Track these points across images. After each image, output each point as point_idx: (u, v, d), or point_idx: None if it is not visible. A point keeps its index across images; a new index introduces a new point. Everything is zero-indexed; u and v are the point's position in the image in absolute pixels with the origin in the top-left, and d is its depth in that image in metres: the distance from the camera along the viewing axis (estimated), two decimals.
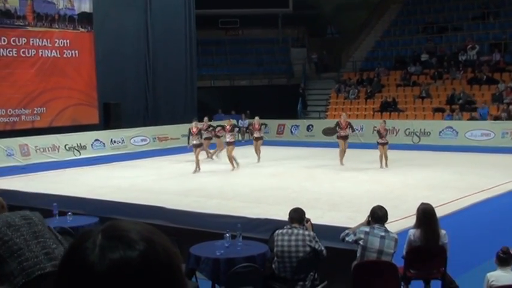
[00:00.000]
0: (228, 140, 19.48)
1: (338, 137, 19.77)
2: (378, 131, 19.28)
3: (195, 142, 19.04)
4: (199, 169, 18.81)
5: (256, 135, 20.65)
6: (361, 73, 33.14)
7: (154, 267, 1.22)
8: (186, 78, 30.47)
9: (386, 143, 18.93)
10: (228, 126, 19.92)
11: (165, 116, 28.75)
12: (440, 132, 25.52)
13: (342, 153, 19.66)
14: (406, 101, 29.71)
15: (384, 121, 20.78)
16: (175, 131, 27.23)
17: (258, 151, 20.56)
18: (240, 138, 24.06)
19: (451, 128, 25.35)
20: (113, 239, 1.24)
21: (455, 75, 29.66)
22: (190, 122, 28.59)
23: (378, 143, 19.09)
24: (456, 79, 29.43)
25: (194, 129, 19.16)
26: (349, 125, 19.87)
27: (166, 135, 26.92)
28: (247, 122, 28.69)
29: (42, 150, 22.90)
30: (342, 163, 19.51)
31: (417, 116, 28.07)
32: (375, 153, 19.90)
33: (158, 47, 28.95)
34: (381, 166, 18.78)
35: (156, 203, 11.27)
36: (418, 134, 25.95)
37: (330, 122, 23.46)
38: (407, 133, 26.22)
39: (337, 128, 19.82)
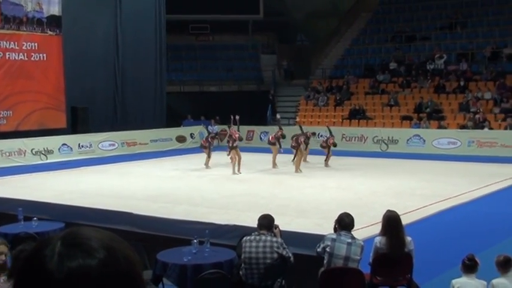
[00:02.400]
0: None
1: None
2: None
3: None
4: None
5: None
6: (331, 80, 33.32)
7: (114, 275, 1.21)
8: (156, 83, 30.35)
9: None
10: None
11: (134, 121, 28.59)
12: (407, 140, 25.76)
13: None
14: (374, 108, 29.93)
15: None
16: (144, 136, 27.10)
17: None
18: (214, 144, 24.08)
19: (418, 136, 25.59)
20: (73, 246, 1.22)
21: (423, 83, 29.98)
22: (159, 127, 28.63)
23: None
24: (424, 88, 29.74)
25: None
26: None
27: (134, 140, 26.76)
28: (216, 128, 28.64)
29: (8, 154, 22.59)
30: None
31: (385, 124, 28.30)
32: (344, 160, 20.07)
33: (128, 51, 28.79)
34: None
35: (124, 209, 11.17)
36: (386, 141, 26.16)
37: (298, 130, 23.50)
38: (375, 141, 26.42)
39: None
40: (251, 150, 24.84)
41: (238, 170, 19.41)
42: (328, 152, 20.95)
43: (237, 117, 20.67)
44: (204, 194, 15.53)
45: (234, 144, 19.39)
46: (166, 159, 24.10)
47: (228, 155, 19.64)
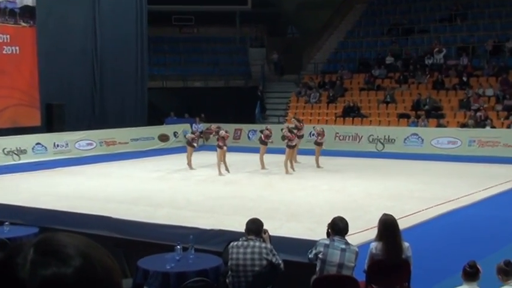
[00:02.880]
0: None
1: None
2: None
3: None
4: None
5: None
6: (323, 76, 33.37)
7: (90, 284, 1.19)
8: (136, 79, 30.27)
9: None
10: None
11: (113, 119, 28.51)
12: (405, 139, 25.83)
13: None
14: (369, 105, 30.00)
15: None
16: (124, 135, 27.04)
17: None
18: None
19: (416, 135, 25.68)
20: (47, 254, 1.21)
21: (421, 79, 30.08)
22: (140, 125, 28.59)
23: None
24: (422, 84, 29.84)
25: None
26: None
27: (114, 139, 26.69)
28: (201, 126, 28.62)
29: None
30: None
31: (381, 122, 28.37)
32: (338, 160, 20.11)
33: (106, 44, 28.69)
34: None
35: (103, 213, 11.15)
36: (382, 141, 26.22)
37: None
38: (370, 140, 26.49)
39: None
40: (238, 150, 24.84)
41: (226, 169, 19.47)
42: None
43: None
44: (188, 196, 15.50)
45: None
46: (147, 159, 24.05)
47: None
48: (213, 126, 21.47)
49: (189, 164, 20.70)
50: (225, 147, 19.55)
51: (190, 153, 20.79)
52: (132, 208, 13.59)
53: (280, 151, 20.39)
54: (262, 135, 20.85)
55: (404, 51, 32.88)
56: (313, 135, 23.92)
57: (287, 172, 19.43)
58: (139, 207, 13.73)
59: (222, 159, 19.51)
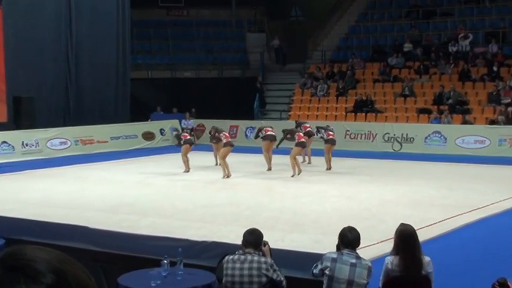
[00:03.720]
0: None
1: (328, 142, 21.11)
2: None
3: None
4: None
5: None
6: (332, 65, 33.34)
7: None
8: (118, 68, 30.24)
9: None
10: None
11: (91, 114, 28.48)
12: (426, 138, 25.81)
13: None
14: (385, 99, 29.99)
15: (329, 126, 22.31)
16: (103, 133, 27.00)
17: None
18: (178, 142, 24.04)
19: (438, 133, 25.66)
20: (14, 270, 1.21)
21: (444, 69, 30.06)
22: (121, 121, 28.53)
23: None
24: (445, 74, 29.82)
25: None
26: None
27: (91, 137, 26.66)
28: (192, 122, 28.64)
29: None
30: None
31: (398, 119, 28.35)
32: (349, 162, 20.09)
33: (83, 29, 28.64)
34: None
35: (78, 222, 11.13)
36: (399, 140, 26.21)
37: (293, 124, 23.53)
38: (386, 139, 26.47)
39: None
40: (235, 150, 24.80)
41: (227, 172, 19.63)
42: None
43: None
44: (177, 203, 15.49)
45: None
46: (130, 160, 24.03)
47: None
48: (211, 128, 21.54)
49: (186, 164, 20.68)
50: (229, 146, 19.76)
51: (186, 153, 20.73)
52: (112, 217, 13.57)
53: (284, 151, 20.38)
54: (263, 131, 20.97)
55: (424, 37, 32.86)
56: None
57: (296, 169, 19.53)
58: (121, 216, 13.71)
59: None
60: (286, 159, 20.04)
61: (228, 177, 19.34)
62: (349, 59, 33.19)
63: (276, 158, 20.90)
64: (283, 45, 36.91)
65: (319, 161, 21.20)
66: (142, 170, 21.33)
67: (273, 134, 20.99)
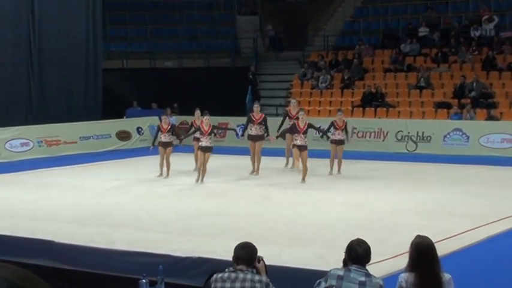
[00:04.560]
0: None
1: (331, 141, 21.02)
2: (333, 122, 20.95)
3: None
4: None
5: (203, 143, 20.25)
6: (336, 52, 33.35)
7: None
8: (88, 57, 30.18)
9: (342, 142, 20.74)
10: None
11: (57, 111, 28.42)
12: (444, 136, 25.83)
13: (332, 162, 20.89)
14: (397, 92, 30.01)
15: (340, 110, 22.39)
16: (71, 132, 26.93)
17: (203, 167, 20.20)
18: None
19: (459, 130, 25.68)
20: None
21: (465, 57, 30.10)
22: (92, 119, 28.47)
23: (330, 140, 20.87)
24: (467, 63, 29.86)
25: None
26: (345, 127, 21.16)
27: (57, 137, 26.60)
28: (174, 119, 28.57)
29: None
30: (331, 172, 20.77)
31: (413, 114, 28.38)
32: (356, 164, 20.09)
33: (47, 13, 28.57)
34: (331, 172, 20.60)
35: (43, 236, 11.12)
36: (414, 138, 26.22)
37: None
38: (399, 137, 26.48)
39: (332, 128, 21.05)
40: (224, 151, 24.80)
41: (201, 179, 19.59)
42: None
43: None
44: (157, 213, 15.46)
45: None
46: (102, 164, 24.00)
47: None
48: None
49: (166, 167, 20.67)
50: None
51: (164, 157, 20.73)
52: (82, 230, 13.52)
53: (280, 152, 20.37)
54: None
55: (443, 20, 32.90)
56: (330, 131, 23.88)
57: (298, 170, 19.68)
58: (92, 229, 13.67)
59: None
60: (282, 162, 20.04)
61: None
62: (355, 45, 33.22)
63: (271, 161, 20.85)
64: (280, 30, 36.91)
65: (322, 164, 21.20)
66: (117, 175, 21.28)
67: (258, 133, 21.00)
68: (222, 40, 37.08)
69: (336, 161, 20.85)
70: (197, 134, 20.65)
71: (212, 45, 36.36)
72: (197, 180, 19.56)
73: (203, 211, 15.65)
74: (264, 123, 21.19)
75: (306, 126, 19.79)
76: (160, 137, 20.98)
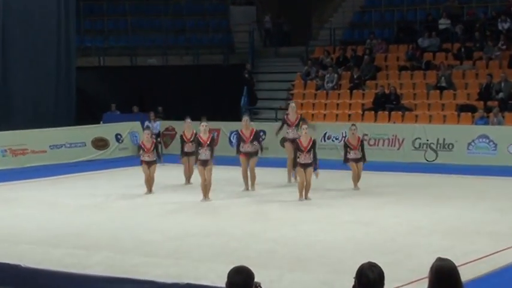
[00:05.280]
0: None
1: (349, 160, 21.02)
2: (347, 142, 20.96)
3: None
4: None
5: (202, 156, 20.16)
6: (344, 48, 33.39)
7: None
8: (59, 54, 30.19)
9: (360, 159, 20.79)
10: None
11: (23, 116, 28.42)
12: (469, 144, 25.83)
13: (355, 178, 20.91)
14: (415, 93, 30.03)
15: (354, 125, 21.96)
16: (40, 140, 26.91)
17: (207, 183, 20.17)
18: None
19: (486, 137, 25.69)
20: None
21: (492, 53, 30.13)
22: (64, 124, 28.46)
23: (347, 159, 20.81)
24: (494, 60, 29.90)
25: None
26: (361, 145, 21.16)
27: (24, 146, 26.59)
28: (158, 125, 28.61)
29: None
30: (356, 187, 20.75)
31: (433, 119, 28.40)
32: (368, 177, 20.10)
33: (10, 3, 28.59)
34: (356, 187, 20.62)
35: (8, 259, 11.13)
36: (433, 146, 26.25)
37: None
38: (416, 145, 26.50)
39: (348, 149, 20.98)
40: (215, 161, 24.81)
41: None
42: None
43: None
44: (140, 233, 15.46)
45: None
46: (76, 176, 24.00)
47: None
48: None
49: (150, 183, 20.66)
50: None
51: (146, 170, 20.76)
52: (53, 252, 13.53)
53: (276, 163, 20.39)
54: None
55: (466, 11, 32.96)
56: (337, 139, 23.89)
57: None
58: (64, 250, 13.67)
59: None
60: (282, 173, 20.03)
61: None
62: (366, 39, 33.24)
63: (270, 173, 20.84)
64: (280, 22, 36.95)
65: (328, 176, 21.20)
66: (93, 189, 21.27)
67: (252, 150, 20.98)
68: (214, 34, 37.14)
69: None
70: (188, 148, 20.77)
71: (202, 39, 36.44)
72: (204, 199, 19.47)
73: (192, 231, 15.66)
74: (256, 139, 21.07)
75: (310, 144, 19.67)
76: (144, 156, 20.61)
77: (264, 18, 37.04)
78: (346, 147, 20.98)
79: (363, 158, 20.91)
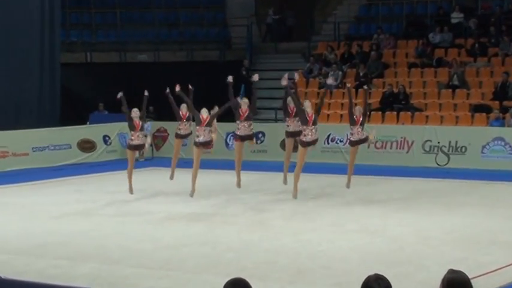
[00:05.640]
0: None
1: (350, 143, 20.98)
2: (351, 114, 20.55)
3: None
4: None
5: (201, 138, 20.36)
6: (349, 43, 33.41)
7: None
8: (42, 49, 30.19)
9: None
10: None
11: (3, 116, 28.42)
12: (483, 147, 25.84)
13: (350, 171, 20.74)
14: (425, 92, 30.05)
15: (355, 105, 22.06)
16: (22, 142, 26.90)
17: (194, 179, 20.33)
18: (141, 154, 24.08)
19: (501, 140, 25.69)
20: None
21: (508, 49, 30.17)
22: (48, 125, 28.45)
23: (350, 141, 20.63)
24: (510, 56, 29.91)
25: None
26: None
27: (4, 148, 26.59)
28: (149, 125, 28.57)
29: None
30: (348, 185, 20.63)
31: (444, 120, 28.41)
32: (374, 182, 20.07)
33: None
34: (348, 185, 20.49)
35: None
36: (445, 149, 26.25)
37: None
38: (427, 148, 26.50)
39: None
40: (210, 165, 24.79)
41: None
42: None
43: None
44: (129, 242, 15.47)
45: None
46: (61, 181, 24.01)
47: None
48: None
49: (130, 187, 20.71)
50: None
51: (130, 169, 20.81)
52: (36, 262, 13.54)
53: (276, 167, 20.39)
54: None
55: (481, 4, 32.98)
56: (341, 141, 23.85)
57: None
58: (48, 261, 13.69)
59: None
60: (280, 178, 20.05)
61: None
62: (373, 34, 33.26)
63: (268, 177, 20.82)
64: (280, 16, 36.96)
65: (331, 181, 21.20)
66: (79, 195, 21.28)
67: (248, 133, 21.05)
68: (209, 28, 37.14)
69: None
70: (182, 129, 20.76)
71: (196, 34, 36.45)
72: (192, 194, 19.59)
73: (185, 240, 15.68)
74: (251, 111, 21.51)
75: (313, 115, 19.72)
76: (133, 139, 20.96)
77: (268, 12, 36.95)
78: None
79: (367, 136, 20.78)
